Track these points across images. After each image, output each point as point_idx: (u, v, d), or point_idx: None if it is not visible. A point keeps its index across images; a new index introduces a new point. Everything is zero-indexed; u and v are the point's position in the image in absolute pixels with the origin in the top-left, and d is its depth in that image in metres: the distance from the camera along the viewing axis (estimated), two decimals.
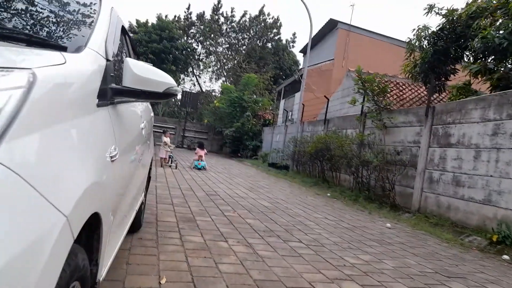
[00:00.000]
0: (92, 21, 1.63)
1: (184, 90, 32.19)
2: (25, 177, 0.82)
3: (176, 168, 10.79)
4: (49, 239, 0.85)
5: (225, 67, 35.32)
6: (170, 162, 11.16)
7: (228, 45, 35.27)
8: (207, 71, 36.17)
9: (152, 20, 31.53)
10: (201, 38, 34.58)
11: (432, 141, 7.41)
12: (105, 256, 1.63)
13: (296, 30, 62.80)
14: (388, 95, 10.03)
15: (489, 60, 7.78)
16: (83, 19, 1.65)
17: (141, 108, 2.71)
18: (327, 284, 2.95)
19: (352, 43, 18.88)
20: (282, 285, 2.79)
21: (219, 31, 34.07)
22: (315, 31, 19.46)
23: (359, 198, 8.49)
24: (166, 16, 33.09)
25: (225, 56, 35.37)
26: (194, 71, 35.82)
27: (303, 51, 23.42)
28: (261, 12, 34.31)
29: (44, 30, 1.49)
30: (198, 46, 35.13)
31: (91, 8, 1.75)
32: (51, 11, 1.60)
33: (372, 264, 3.69)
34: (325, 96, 13.69)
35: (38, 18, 1.55)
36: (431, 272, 3.72)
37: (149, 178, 4.19)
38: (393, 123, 8.65)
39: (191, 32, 34.62)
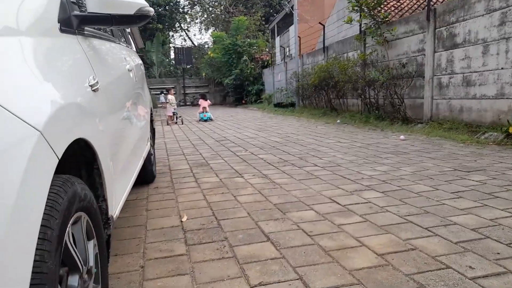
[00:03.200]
0: None
1: (175, 46, 31.28)
2: None
3: (182, 124, 10.75)
4: (22, 151, 0.79)
5: (212, 15, 33.86)
6: (175, 119, 11.11)
7: None
8: (195, 22, 34.83)
9: None
10: None
11: (437, 46, 7.07)
12: (115, 194, 1.62)
13: None
14: (385, 7, 9.50)
15: None
16: None
17: (124, 50, 2.57)
18: (347, 197, 2.94)
19: None
20: (302, 204, 2.79)
21: None
22: None
23: (369, 119, 8.38)
24: None
25: (210, 3, 33.76)
26: (182, 25, 34.52)
27: None
28: None
29: None
30: None
31: None
32: None
33: (390, 173, 3.67)
34: (320, 23, 13.09)
35: None
36: (450, 170, 3.69)
37: (153, 129, 4.13)
38: (394, 36, 8.25)
39: None
